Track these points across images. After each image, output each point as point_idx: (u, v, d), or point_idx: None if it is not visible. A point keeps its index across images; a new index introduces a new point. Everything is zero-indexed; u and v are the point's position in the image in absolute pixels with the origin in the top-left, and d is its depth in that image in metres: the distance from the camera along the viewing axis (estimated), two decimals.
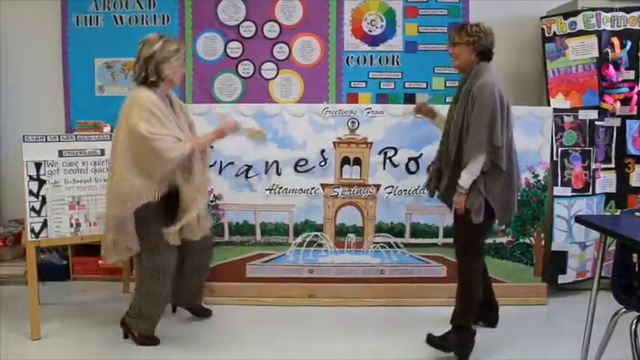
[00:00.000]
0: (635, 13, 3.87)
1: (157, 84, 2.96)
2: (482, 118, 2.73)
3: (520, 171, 3.07)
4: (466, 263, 2.98)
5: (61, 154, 3.41)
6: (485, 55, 2.91)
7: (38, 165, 3.32)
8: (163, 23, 4.52)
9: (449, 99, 4.34)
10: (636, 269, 2.60)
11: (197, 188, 2.99)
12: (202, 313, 3.50)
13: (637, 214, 2.65)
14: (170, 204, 3.01)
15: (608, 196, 3.95)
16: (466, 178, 2.81)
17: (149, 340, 3.13)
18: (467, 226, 2.89)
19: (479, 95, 2.77)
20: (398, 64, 4.49)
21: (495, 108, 2.74)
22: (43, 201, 3.30)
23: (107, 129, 4.33)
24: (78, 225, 3.39)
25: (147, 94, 2.90)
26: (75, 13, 4.53)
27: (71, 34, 4.55)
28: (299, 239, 3.73)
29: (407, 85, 4.48)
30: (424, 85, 4.45)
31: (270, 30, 4.51)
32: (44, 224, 3.28)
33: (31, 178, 3.29)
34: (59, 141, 3.44)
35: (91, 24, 4.54)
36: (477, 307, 3.00)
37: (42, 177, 3.32)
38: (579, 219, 2.70)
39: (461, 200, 2.85)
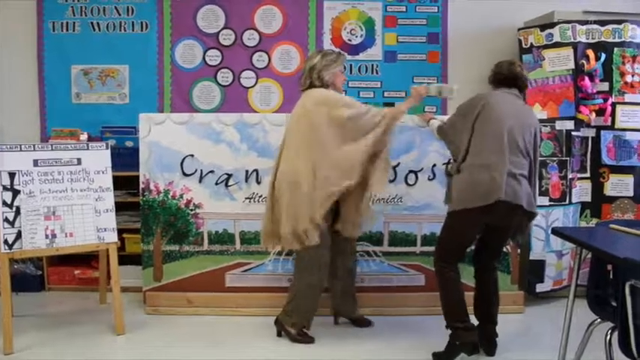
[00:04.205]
0: (609, 26, 3.95)
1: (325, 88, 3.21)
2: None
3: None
4: (438, 259, 3.04)
5: (36, 163, 3.36)
6: (496, 81, 3.13)
7: (12, 175, 3.26)
8: (142, 30, 4.48)
9: (427, 108, 4.41)
10: (610, 281, 2.63)
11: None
12: (363, 324, 3.49)
13: (612, 225, 2.68)
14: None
15: (584, 205, 4.02)
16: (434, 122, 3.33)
17: (305, 337, 3.23)
18: (448, 223, 3.01)
19: None
20: (377, 73, 4.51)
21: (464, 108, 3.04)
22: (17, 212, 3.23)
23: (84, 137, 4.29)
24: (53, 236, 3.32)
25: (327, 90, 3.18)
26: (51, 19, 4.48)
27: (47, 40, 4.49)
28: (278, 247, 3.71)
29: (386, 94, 4.52)
30: (403, 94, 4.48)
31: (250, 38, 4.51)
32: (18, 235, 3.21)
33: (4, 188, 3.23)
34: (34, 150, 3.38)
35: (67, 30, 4.49)
36: (460, 304, 2.99)
37: (16, 187, 3.26)
38: (556, 231, 2.73)
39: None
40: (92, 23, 4.48)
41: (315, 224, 3.06)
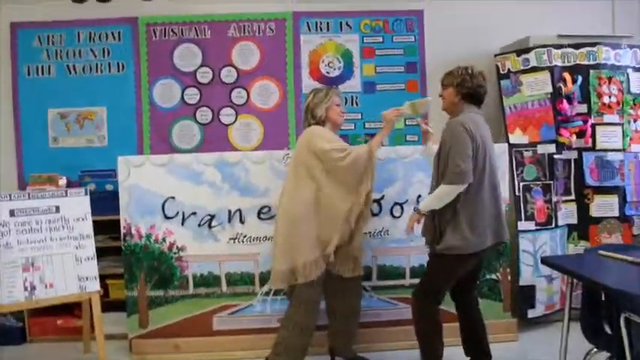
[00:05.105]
0: (583, 49, 4.00)
1: (320, 125, 3.22)
2: (454, 156, 2.75)
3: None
4: (424, 298, 2.95)
5: (12, 213, 3.28)
6: (472, 97, 2.94)
7: None
8: (118, 71, 4.44)
9: (409, 137, 4.41)
10: (602, 304, 2.60)
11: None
12: None
13: (601, 252, 2.66)
14: None
15: (571, 228, 4.01)
16: (427, 202, 2.90)
17: None
18: (438, 265, 2.91)
19: (447, 134, 2.83)
20: (357, 104, 4.51)
21: (463, 144, 2.76)
22: None
23: (63, 182, 4.20)
24: (33, 288, 3.24)
25: (317, 127, 3.20)
26: (26, 63, 4.42)
27: (22, 84, 4.42)
28: (265, 288, 3.64)
29: (367, 125, 4.49)
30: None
31: (228, 75, 4.48)
32: None
33: None
34: (10, 200, 3.31)
35: (43, 74, 4.43)
36: (440, 346, 2.94)
37: None
38: (545, 261, 2.70)
39: (413, 219, 2.94)
40: (68, 66, 4.43)
41: (316, 260, 3.06)
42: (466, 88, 2.91)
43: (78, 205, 3.44)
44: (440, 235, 2.86)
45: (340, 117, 3.28)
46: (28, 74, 4.43)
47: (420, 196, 3.61)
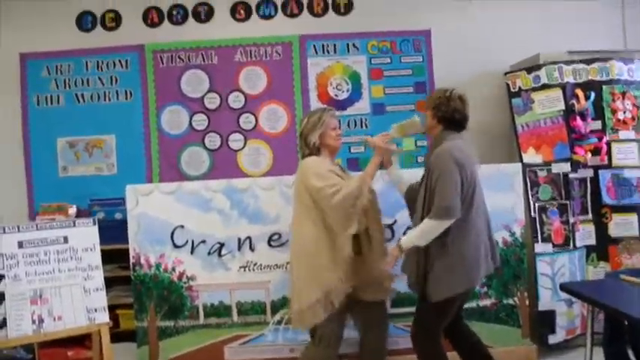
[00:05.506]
0: (595, 65, 3.93)
1: (315, 153, 3.05)
2: (441, 189, 2.63)
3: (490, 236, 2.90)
4: (419, 344, 2.85)
5: (20, 245, 3.24)
6: (449, 122, 2.81)
7: None
8: (126, 99, 4.44)
9: (420, 159, 4.34)
10: (625, 329, 2.50)
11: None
12: None
13: (622, 276, 2.56)
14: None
15: (589, 249, 3.89)
16: (410, 238, 2.72)
17: None
18: (424, 309, 2.80)
19: (435, 165, 2.70)
20: (366, 126, 4.46)
21: (450, 175, 2.64)
22: (2, 297, 3.09)
23: (72, 210, 4.19)
24: (41, 321, 3.17)
25: (311, 159, 3.02)
26: (35, 93, 4.45)
27: (32, 114, 4.44)
28: (277, 317, 3.57)
29: None
30: (394, 146, 4.39)
31: (236, 100, 4.47)
32: (3, 323, 3.06)
33: None
34: (18, 231, 3.27)
35: (52, 103, 4.45)
36: None
37: (0, 272, 3.13)
38: (564, 287, 2.61)
39: (393, 255, 2.78)
40: (76, 94, 4.45)
41: (319, 300, 2.89)
42: (442, 111, 2.80)
43: (86, 236, 3.39)
44: (424, 273, 2.71)
45: (336, 141, 3.10)
46: (38, 104, 4.45)
47: None
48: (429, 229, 2.64)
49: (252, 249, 3.56)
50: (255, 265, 3.55)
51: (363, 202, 2.86)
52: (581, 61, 3.95)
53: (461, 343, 3.01)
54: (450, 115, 2.80)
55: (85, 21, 4.51)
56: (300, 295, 2.93)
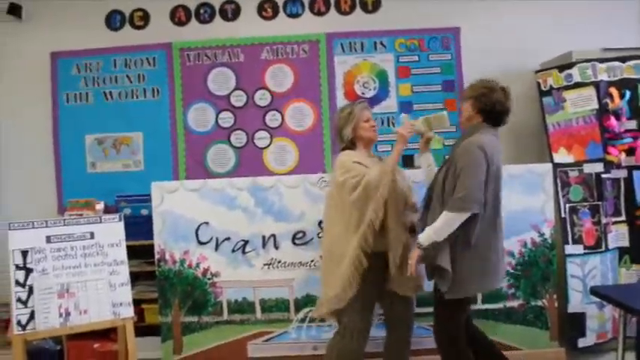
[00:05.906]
0: (630, 62, 3.81)
1: (351, 147, 3.07)
2: (463, 179, 2.54)
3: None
4: (445, 351, 2.80)
5: (48, 239, 3.28)
6: (489, 114, 2.72)
7: (25, 253, 3.19)
8: (154, 96, 4.47)
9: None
10: None
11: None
12: None
13: None
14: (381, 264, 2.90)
15: (622, 251, 3.78)
16: (428, 233, 2.61)
17: None
18: (442, 313, 2.76)
19: (461, 156, 2.60)
20: (393, 125, 4.41)
21: (476, 168, 2.55)
22: (30, 291, 3.15)
23: (100, 206, 4.23)
24: (67, 314, 3.22)
25: (342, 153, 3.04)
26: (65, 91, 4.50)
27: (62, 111, 4.50)
28: (301, 314, 3.56)
29: None
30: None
31: (262, 98, 4.46)
32: (31, 315, 3.12)
33: (17, 267, 3.16)
34: (46, 226, 3.32)
35: (81, 101, 4.50)
36: None
37: (29, 265, 3.18)
38: (595, 291, 2.53)
39: (414, 257, 2.68)
40: (105, 92, 4.50)
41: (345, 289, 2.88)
42: (483, 102, 2.71)
43: (112, 231, 3.43)
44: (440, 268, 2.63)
45: (370, 132, 3.05)
46: (67, 101, 4.51)
47: None
48: (447, 222, 2.55)
49: (276, 247, 3.55)
50: (279, 262, 3.55)
51: (383, 192, 2.81)
52: (615, 59, 3.83)
53: (475, 344, 2.93)
54: (491, 106, 2.71)
55: (114, 20, 4.56)
56: (328, 284, 2.94)
